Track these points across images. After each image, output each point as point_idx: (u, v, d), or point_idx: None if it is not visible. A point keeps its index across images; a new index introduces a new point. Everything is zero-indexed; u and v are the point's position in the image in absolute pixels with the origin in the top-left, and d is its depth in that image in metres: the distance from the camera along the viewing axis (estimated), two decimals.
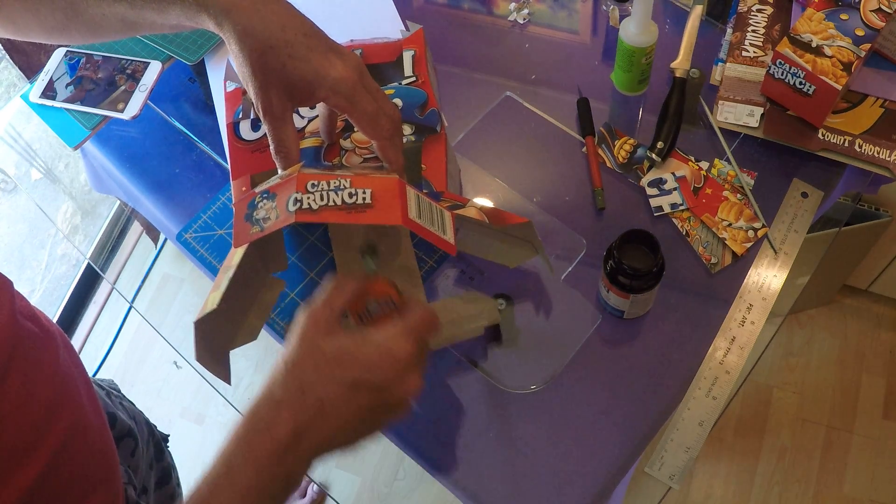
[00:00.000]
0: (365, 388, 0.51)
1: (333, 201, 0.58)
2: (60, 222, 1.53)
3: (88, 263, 1.82)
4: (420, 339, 0.54)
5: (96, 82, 0.90)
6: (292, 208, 0.57)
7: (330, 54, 0.61)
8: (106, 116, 0.88)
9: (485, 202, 0.80)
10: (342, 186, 0.59)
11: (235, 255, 0.63)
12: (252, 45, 0.59)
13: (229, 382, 0.64)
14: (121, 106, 0.88)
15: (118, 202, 1.02)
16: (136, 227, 1.83)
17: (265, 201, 0.60)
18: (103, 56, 0.92)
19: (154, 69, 0.90)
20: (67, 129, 0.89)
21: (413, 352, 0.53)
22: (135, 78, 0.90)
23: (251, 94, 0.61)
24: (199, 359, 0.62)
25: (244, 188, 0.72)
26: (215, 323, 0.62)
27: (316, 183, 0.59)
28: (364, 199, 0.58)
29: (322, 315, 0.54)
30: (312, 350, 0.52)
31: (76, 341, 1.79)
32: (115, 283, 1.88)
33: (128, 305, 1.83)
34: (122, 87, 0.89)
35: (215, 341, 0.64)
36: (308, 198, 0.58)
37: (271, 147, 0.64)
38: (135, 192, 0.87)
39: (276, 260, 0.72)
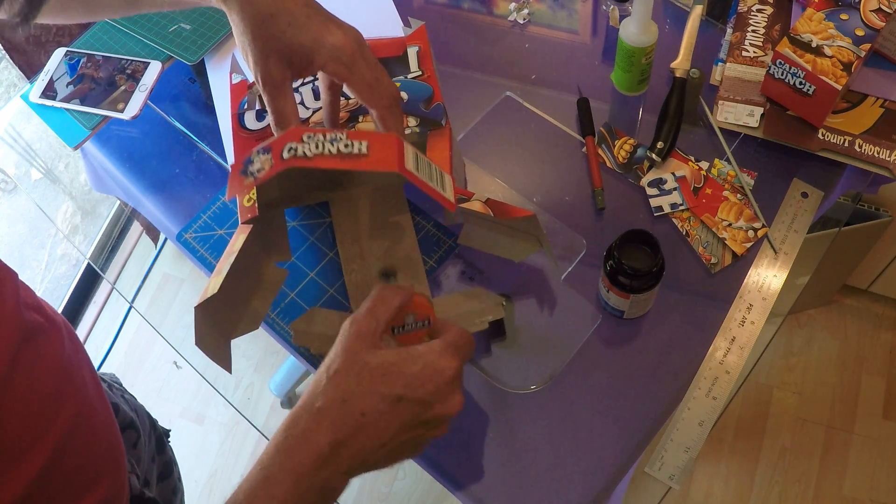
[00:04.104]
0: (408, 403, 0.50)
1: (329, 150, 0.57)
2: (60, 222, 1.53)
3: (88, 263, 1.82)
4: (463, 358, 0.54)
5: (96, 82, 0.90)
6: (286, 156, 0.57)
7: (329, 24, 0.62)
8: (106, 116, 0.88)
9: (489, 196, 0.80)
10: (338, 138, 0.58)
11: (238, 241, 0.63)
12: (252, 14, 0.59)
13: (230, 371, 0.63)
14: (121, 106, 0.88)
15: (118, 202, 1.02)
16: (136, 227, 1.83)
17: (260, 155, 0.59)
18: (103, 56, 0.92)
19: (154, 69, 0.90)
20: (67, 129, 0.89)
21: (458, 368, 0.53)
22: (135, 78, 0.90)
23: (250, 63, 0.62)
24: (200, 344, 0.61)
25: None
26: (217, 308, 0.62)
27: (312, 135, 0.58)
28: (360, 149, 0.58)
29: (367, 327, 0.54)
30: (356, 362, 0.51)
31: None
32: (115, 283, 1.88)
33: (128, 305, 1.84)
34: (122, 87, 0.89)
35: (217, 327, 0.64)
36: (303, 146, 0.57)
37: (271, 119, 0.64)
38: (135, 192, 0.87)
39: (278, 248, 0.72)
